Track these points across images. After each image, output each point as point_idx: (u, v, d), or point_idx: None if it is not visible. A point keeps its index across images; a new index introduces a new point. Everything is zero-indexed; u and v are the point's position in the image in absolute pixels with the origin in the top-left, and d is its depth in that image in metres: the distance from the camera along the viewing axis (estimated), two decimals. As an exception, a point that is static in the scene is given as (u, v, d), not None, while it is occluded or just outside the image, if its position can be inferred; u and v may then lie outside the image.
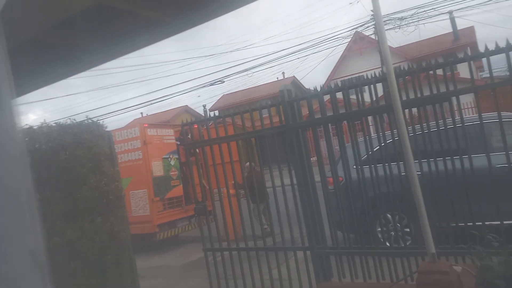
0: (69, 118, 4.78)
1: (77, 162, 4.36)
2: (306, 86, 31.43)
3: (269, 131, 4.15)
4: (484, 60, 3.58)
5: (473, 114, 14.27)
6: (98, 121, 4.99)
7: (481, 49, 3.37)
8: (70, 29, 2.70)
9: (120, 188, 5.01)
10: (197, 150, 4.97)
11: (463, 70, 17.85)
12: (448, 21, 24.65)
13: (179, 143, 8.79)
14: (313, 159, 4.83)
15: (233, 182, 4.63)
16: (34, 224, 0.43)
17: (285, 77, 34.52)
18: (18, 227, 0.41)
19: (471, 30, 26.59)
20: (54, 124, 4.61)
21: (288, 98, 4.05)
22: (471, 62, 3.40)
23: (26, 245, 0.41)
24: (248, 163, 7.17)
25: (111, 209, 4.70)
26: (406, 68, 3.64)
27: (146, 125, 8.60)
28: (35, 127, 4.35)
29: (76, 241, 4.22)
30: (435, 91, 3.44)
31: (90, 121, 4.90)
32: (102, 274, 4.43)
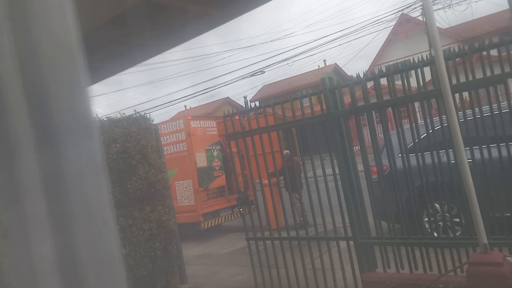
0: (119, 112, 5.05)
1: (126, 154, 4.61)
2: (349, 73, 30.56)
3: (310, 120, 4.11)
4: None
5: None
6: (145, 115, 5.23)
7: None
8: (121, 26, 2.83)
9: (166, 179, 5.23)
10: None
11: (522, 50, 16.46)
12: (505, -3, 22.76)
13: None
14: (356, 148, 4.73)
15: (272, 171, 4.65)
16: (105, 199, 0.54)
17: (327, 64, 33.80)
18: (93, 201, 0.52)
19: (531, 5, 24.33)
20: (105, 119, 4.89)
21: (329, 86, 3.98)
22: (530, 40, 3.13)
23: (100, 216, 0.52)
24: (287, 151, 7.16)
25: (159, 198, 4.93)
26: (456, 49, 3.44)
27: (190, 117, 8.84)
28: None
29: (127, 229, 4.48)
30: (488, 74, 3.22)
31: (137, 115, 5.15)
32: (151, 260, 4.67)
